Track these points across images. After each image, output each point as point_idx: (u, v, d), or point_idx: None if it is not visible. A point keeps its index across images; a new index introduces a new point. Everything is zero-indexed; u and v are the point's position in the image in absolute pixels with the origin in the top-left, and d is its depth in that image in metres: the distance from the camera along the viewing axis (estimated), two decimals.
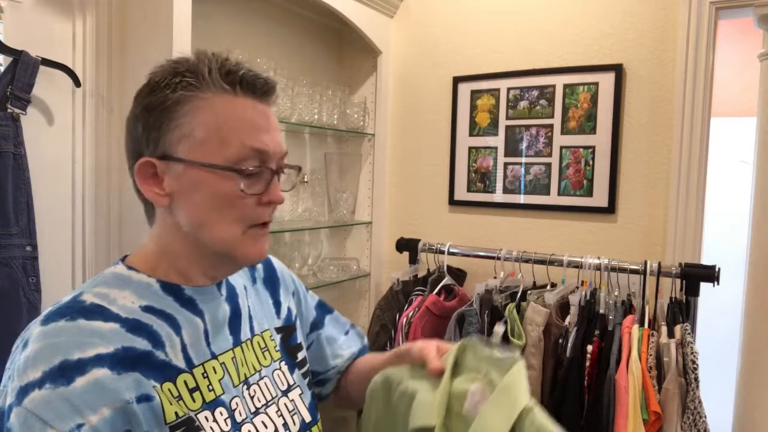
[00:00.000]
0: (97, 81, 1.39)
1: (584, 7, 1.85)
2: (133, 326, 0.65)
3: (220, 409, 0.70)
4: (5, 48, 1.20)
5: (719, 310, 2.45)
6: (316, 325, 0.99)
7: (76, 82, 1.34)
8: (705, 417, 1.31)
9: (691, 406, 1.30)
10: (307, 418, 0.83)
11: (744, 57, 2.80)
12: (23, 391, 0.56)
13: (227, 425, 0.69)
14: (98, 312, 0.64)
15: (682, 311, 1.51)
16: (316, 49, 2.15)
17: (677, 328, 1.42)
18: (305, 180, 2.01)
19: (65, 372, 0.58)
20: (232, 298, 0.79)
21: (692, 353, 1.34)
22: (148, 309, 0.67)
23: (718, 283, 1.52)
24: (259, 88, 0.70)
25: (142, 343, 0.64)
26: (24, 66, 1.21)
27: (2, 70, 1.23)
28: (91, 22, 1.38)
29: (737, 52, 2.84)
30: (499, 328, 1.58)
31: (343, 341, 1.02)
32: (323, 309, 1.02)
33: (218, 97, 0.68)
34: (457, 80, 2.08)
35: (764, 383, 1.60)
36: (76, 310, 0.64)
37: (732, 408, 1.71)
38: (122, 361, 0.61)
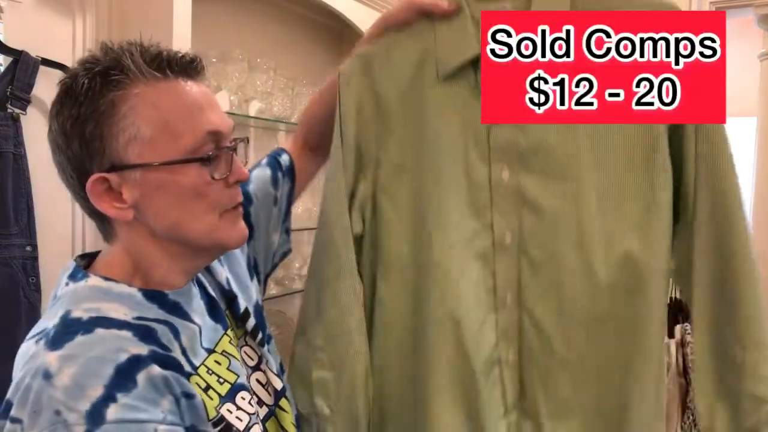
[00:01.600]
0: None
1: None
2: (143, 333, 0.62)
3: (242, 393, 0.69)
4: (5, 48, 1.20)
5: None
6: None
7: None
8: None
9: (691, 406, 1.31)
10: (278, 386, 0.79)
11: (744, 57, 2.80)
12: (94, 414, 0.53)
13: (252, 406, 0.69)
14: (106, 320, 0.60)
15: (682, 311, 1.51)
16: (316, 49, 2.15)
17: (677, 329, 1.42)
18: None
19: (125, 376, 0.56)
20: (202, 287, 0.76)
21: (692, 353, 1.34)
22: (141, 320, 0.63)
23: None
24: (192, 67, 0.66)
25: (157, 348, 0.62)
26: (24, 66, 1.21)
27: (2, 70, 1.23)
28: (91, 22, 1.38)
29: (737, 52, 2.83)
30: None
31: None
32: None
33: (152, 87, 0.62)
34: None
35: None
36: (82, 324, 0.59)
37: None
38: (157, 361, 0.60)
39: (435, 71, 0.81)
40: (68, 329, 0.59)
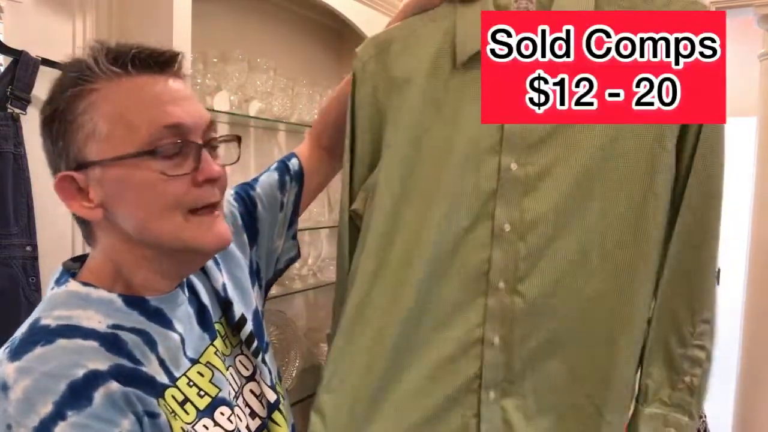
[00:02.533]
0: None
1: None
2: (112, 344, 0.60)
3: (222, 408, 0.67)
4: (5, 48, 1.20)
5: (719, 310, 2.45)
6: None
7: None
8: (705, 417, 1.31)
9: None
10: (272, 398, 0.77)
11: (744, 57, 2.80)
12: (43, 430, 0.52)
13: (232, 422, 0.67)
14: (73, 329, 0.59)
15: None
16: (316, 49, 2.15)
17: None
18: None
19: (79, 393, 0.54)
20: (195, 293, 0.73)
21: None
22: (116, 328, 0.61)
23: (718, 284, 1.52)
24: (155, 61, 0.63)
25: (123, 362, 0.59)
26: (24, 66, 1.21)
27: (2, 70, 1.22)
28: (91, 22, 1.38)
29: (737, 52, 2.83)
30: None
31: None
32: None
33: (111, 83, 0.61)
34: None
35: (764, 383, 1.60)
36: (45, 333, 0.58)
37: (732, 408, 1.71)
38: (119, 377, 0.58)
39: (453, 57, 0.81)
40: (32, 338, 0.58)
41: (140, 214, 0.62)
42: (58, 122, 0.62)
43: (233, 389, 0.72)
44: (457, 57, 0.81)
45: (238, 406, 0.71)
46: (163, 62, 0.64)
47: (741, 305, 1.67)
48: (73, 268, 0.68)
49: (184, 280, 0.72)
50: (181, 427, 0.61)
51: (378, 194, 0.85)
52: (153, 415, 0.59)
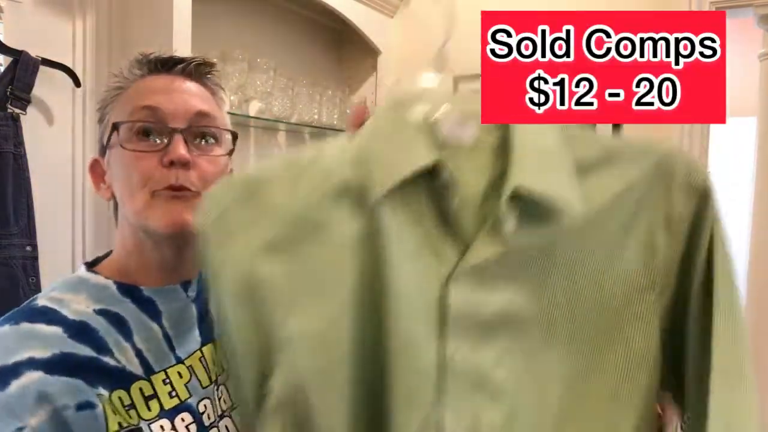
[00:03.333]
0: (97, 81, 1.39)
1: (584, 7, 1.85)
2: (78, 331, 0.61)
3: (183, 414, 0.65)
4: (5, 48, 1.20)
5: None
6: None
7: (76, 82, 1.34)
8: None
9: None
10: None
11: (744, 57, 2.80)
12: None
13: (189, 430, 0.65)
14: (45, 314, 0.62)
15: None
16: (316, 49, 2.15)
17: None
18: None
19: (1, 377, 0.56)
20: (203, 303, 0.71)
21: None
22: (101, 312, 0.63)
23: None
24: (168, 65, 0.71)
25: (83, 350, 0.60)
26: (24, 66, 1.21)
27: (2, 70, 1.23)
28: (91, 22, 1.38)
29: (737, 52, 2.83)
30: None
31: None
32: None
33: (133, 83, 0.70)
34: (457, 80, 2.07)
35: (764, 383, 1.60)
36: (24, 313, 0.62)
37: None
38: (59, 366, 0.58)
39: (364, 197, 0.54)
40: (13, 315, 0.62)
41: (120, 191, 0.68)
42: (100, 118, 0.73)
43: (211, 412, 0.69)
44: (373, 195, 0.53)
45: (230, 417, 0.70)
46: (172, 65, 0.71)
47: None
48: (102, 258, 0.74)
49: (195, 281, 0.72)
50: (119, 422, 0.59)
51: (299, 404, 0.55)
52: (84, 407, 0.58)
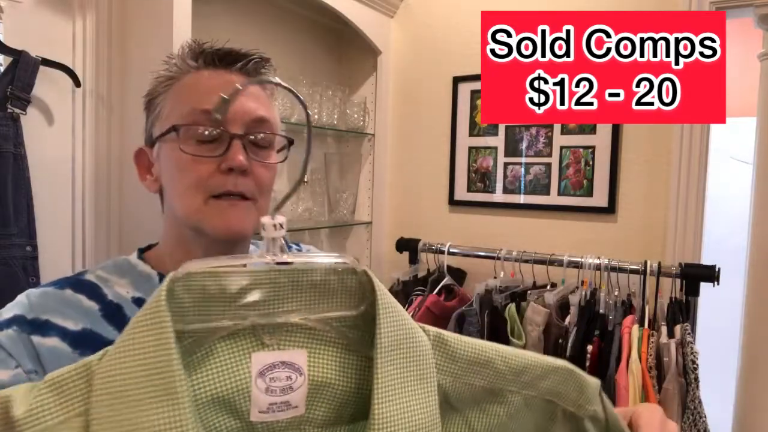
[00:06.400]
0: (97, 81, 1.39)
1: (584, 7, 1.85)
2: (112, 312, 0.64)
3: None
4: (5, 48, 1.20)
5: (719, 310, 2.45)
6: None
7: (76, 82, 1.34)
8: (705, 417, 1.31)
9: (691, 406, 1.31)
10: None
11: (744, 57, 2.80)
12: None
13: None
14: (88, 288, 0.65)
15: (682, 311, 1.51)
16: (316, 49, 2.15)
17: (677, 328, 1.42)
18: (306, 180, 2.01)
19: (35, 326, 0.59)
20: None
21: (692, 353, 1.34)
22: (137, 301, 0.66)
23: (718, 283, 1.52)
24: (221, 58, 0.69)
25: (111, 333, 0.62)
26: (24, 66, 1.21)
27: (2, 70, 1.22)
28: (91, 22, 1.38)
29: (737, 52, 2.84)
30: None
31: None
32: None
33: (186, 75, 0.69)
34: (457, 80, 2.08)
35: (764, 383, 1.60)
36: (70, 282, 0.66)
37: (732, 408, 1.71)
38: (83, 341, 0.60)
39: None
40: (59, 282, 0.65)
41: (171, 189, 0.68)
42: (147, 105, 0.72)
43: None
44: None
45: None
46: (230, 60, 0.69)
47: (741, 305, 1.67)
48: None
49: None
50: None
51: None
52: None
